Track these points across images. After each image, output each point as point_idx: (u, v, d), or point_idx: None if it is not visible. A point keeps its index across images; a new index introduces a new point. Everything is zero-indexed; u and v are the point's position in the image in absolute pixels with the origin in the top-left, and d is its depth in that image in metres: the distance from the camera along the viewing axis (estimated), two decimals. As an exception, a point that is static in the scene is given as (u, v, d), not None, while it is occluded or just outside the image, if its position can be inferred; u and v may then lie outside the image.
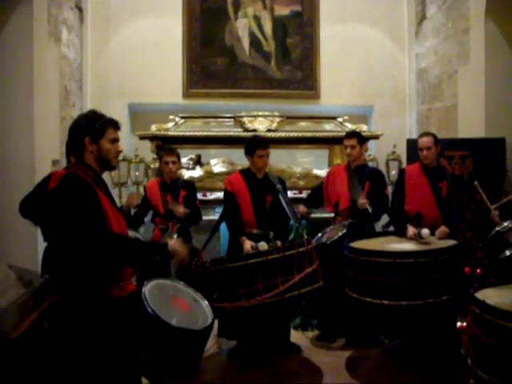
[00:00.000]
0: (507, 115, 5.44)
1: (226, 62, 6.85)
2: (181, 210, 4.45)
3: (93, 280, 2.40)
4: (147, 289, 2.70)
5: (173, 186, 4.63)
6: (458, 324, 4.33)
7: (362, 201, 4.39)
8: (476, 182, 4.07)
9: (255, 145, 4.33)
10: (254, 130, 6.03)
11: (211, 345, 4.42)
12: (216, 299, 3.38)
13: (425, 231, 3.99)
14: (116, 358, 2.45)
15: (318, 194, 4.91)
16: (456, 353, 4.08)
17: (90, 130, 2.51)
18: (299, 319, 4.99)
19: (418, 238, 4.01)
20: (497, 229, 3.73)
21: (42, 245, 2.59)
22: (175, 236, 4.33)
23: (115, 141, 2.59)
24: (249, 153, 4.34)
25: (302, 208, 4.73)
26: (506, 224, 3.66)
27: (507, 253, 3.49)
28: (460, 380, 3.74)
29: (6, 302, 2.29)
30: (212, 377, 3.97)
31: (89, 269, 2.38)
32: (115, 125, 2.61)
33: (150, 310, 2.56)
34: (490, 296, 2.57)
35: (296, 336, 4.71)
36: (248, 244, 4.07)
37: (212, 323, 2.91)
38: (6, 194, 4.51)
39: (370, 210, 4.36)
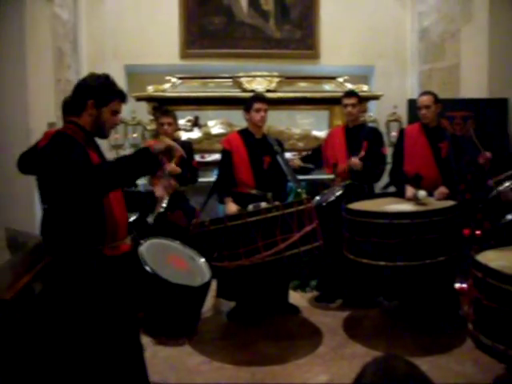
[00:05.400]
0: (511, 75, 5.35)
1: (224, 21, 6.69)
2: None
3: (86, 240, 2.38)
4: (144, 248, 2.69)
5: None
6: (457, 285, 4.34)
7: (355, 160, 4.37)
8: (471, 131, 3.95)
9: (253, 99, 4.33)
10: (253, 91, 5.94)
11: (210, 306, 4.46)
12: (216, 259, 3.36)
13: (421, 193, 3.95)
14: (112, 316, 2.45)
15: (317, 154, 4.86)
16: (454, 314, 4.10)
17: (97, 94, 2.46)
18: (298, 280, 5.00)
19: (415, 199, 3.98)
20: (498, 189, 3.69)
21: (40, 208, 2.56)
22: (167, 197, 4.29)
23: (116, 113, 2.54)
24: (247, 108, 4.30)
25: (296, 161, 4.64)
26: (507, 184, 3.62)
27: (508, 217, 3.45)
28: (458, 340, 3.76)
29: (-2, 263, 2.28)
30: (211, 337, 4.00)
31: (82, 229, 2.37)
32: (123, 98, 2.56)
33: (148, 268, 2.55)
34: (492, 259, 2.53)
35: (295, 297, 4.72)
36: (233, 207, 4.06)
37: (210, 279, 2.90)
38: (1, 158, 4.46)
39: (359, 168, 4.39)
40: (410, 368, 1.26)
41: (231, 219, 3.39)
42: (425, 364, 3.41)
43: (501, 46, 5.39)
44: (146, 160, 2.35)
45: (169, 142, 2.61)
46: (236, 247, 3.33)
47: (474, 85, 5.63)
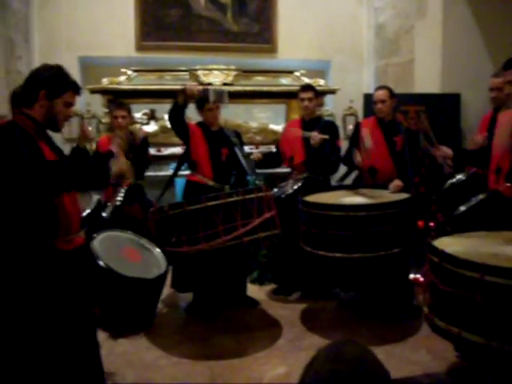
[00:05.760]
0: (463, 71, 5.48)
1: (181, 14, 6.62)
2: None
3: (38, 234, 2.31)
4: (97, 242, 2.65)
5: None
6: (411, 276, 4.44)
7: (315, 134, 4.38)
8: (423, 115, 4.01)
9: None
10: (210, 84, 5.90)
11: (167, 300, 4.41)
12: (174, 244, 3.30)
13: (367, 142, 4.03)
14: (66, 312, 2.39)
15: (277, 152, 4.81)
16: (409, 303, 4.19)
17: (49, 85, 2.39)
18: (256, 273, 5.01)
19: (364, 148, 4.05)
20: (450, 181, 3.77)
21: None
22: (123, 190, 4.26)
23: (70, 105, 2.48)
24: (199, 107, 4.28)
25: (257, 155, 4.60)
26: (459, 177, 3.70)
27: (462, 209, 3.52)
28: (413, 330, 3.85)
29: None
30: (168, 331, 3.94)
31: (33, 223, 2.30)
32: (77, 89, 2.50)
33: (101, 262, 2.51)
34: (447, 244, 2.56)
35: (253, 290, 4.72)
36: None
37: (166, 271, 2.86)
38: None
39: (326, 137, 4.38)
40: (361, 352, 1.27)
41: (191, 203, 3.34)
42: (381, 353, 3.41)
43: (454, 42, 5.51)
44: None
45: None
46: (195, 232, 3.27)
47: (427, 80, 5.74)
